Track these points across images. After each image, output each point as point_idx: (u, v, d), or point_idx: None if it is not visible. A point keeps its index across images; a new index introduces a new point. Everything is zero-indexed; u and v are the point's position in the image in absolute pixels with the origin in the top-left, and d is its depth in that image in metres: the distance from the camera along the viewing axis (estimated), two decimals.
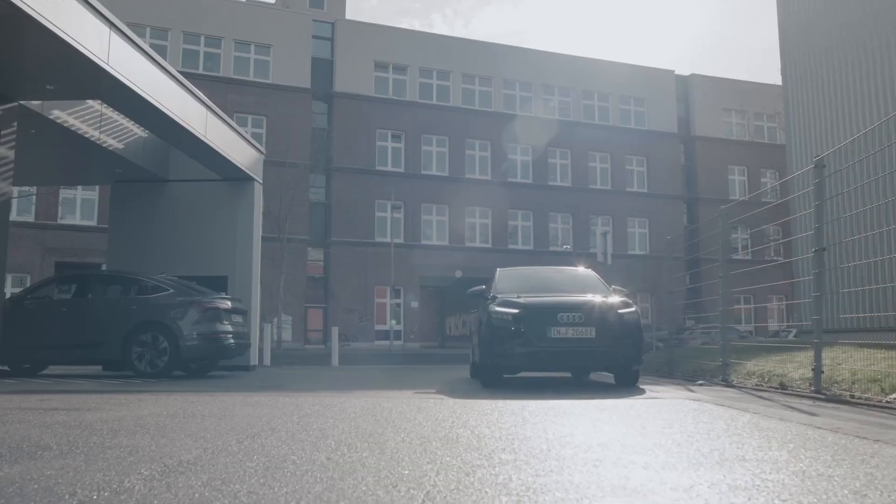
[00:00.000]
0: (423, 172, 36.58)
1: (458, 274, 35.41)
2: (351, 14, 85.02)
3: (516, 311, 7.70)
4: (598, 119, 40.51)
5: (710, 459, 2.85)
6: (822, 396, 6.18)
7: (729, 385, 8.01)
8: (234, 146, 13.13)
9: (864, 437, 3.58)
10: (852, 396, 5.93)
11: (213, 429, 3.92)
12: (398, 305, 34.96)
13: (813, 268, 6.68)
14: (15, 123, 9.67)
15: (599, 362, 8.25)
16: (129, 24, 28.97)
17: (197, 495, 2.18)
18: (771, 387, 7.32)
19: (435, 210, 36.72)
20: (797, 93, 15.41)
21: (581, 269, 10.38)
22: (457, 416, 4.52)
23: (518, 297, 8.04)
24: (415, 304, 35.90)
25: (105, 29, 8.58)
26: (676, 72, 42.99)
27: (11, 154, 9.58)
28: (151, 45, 31.94)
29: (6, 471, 2.54)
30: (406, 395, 6.54)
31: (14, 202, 28.66)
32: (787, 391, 6.89)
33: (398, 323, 34.26)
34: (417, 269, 35.10)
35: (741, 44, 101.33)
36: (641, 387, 7.80)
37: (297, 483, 2.31)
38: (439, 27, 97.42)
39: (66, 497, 2.12)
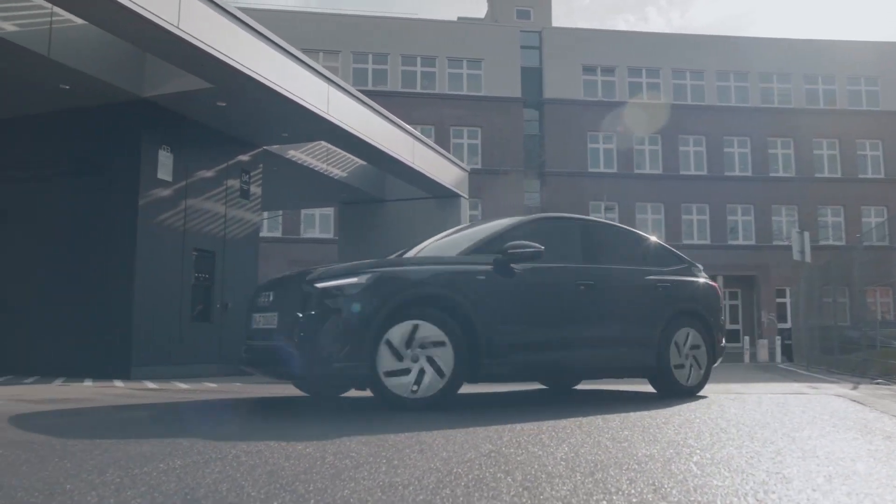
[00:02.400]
0: (637, 172, 36.74)
1: None
2: (564, 14, 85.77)
3: None
4: (823, 104, 38.31)
5: None
6: None
7: None
8: (440, 167, 14.72)
9: None
10: None
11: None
12: None
13: None
14: (261, 164, 11.86)
15: None
16: (358, 53, 31.58)
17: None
18: None
19: (650, 209, 36.70)
20: None
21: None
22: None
23: None
24: None
25: (325, 85, 10.38)
26: None
27: (259, 190, 11.78)
28: (375, 70, 35.32)
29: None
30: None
31: (265, 222, 32.90)
32: None
33: None
34: None
35: None
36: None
37: None
38: (654, 20, 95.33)
39: None
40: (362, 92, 27.37)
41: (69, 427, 4.05)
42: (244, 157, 11.38)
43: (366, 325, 5.00)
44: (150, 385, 7.87)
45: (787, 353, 27.15)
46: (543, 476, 2.62)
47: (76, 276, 9.39)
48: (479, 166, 34.68)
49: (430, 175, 14.13)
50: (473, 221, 9.99)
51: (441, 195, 15.66)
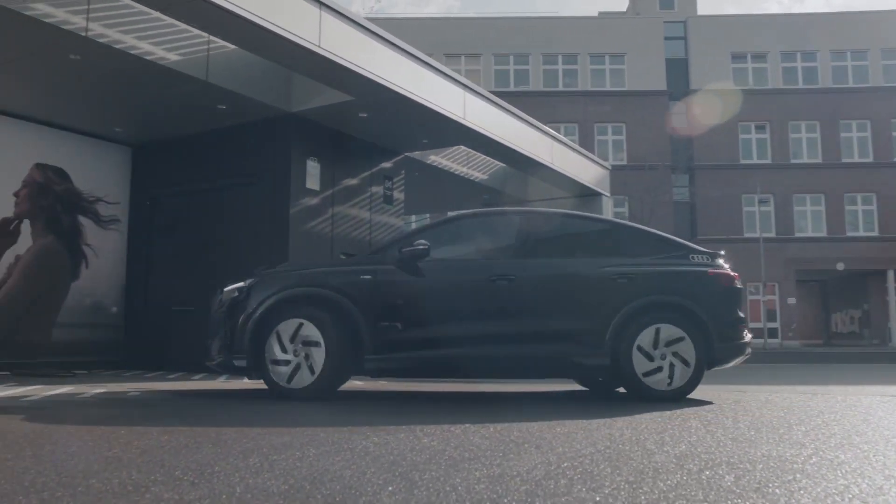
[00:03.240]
0: (793, 161, 34.88)
1: (840, 266, 33.21)
2: (709, 1, 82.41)
3: None
4: None
5: None
6: None
7: None
8: (580, 166, 14.68)
9: None
10: None
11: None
12: (772, 302, 33.79)
13: None
14: (403, 171, 12.30)
15: None
16: (499, 55, 31.98)
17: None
18: None
19: (809, 200, 34.74)
20: None
21: None
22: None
23: None
24: (791, 301, 34.33)
25: (461, 91, 10.65)
26: None
27: (402, 195, 12.22)
28: (516, 70, 35.47)
29: None
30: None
31: (413, 224, 33.76)
32: None
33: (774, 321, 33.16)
34: (792, 262, 33.63)
35: None
36: None
37: None
38: (811, 0, 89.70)
39: None
40: (504, 93, 27.52)
41: (224, 418, 4.46)
42: (387, 164, 11.84)
43: (245, 322, 5.73)
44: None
45: None
46: (650, 472, 2.68)
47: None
48: (624, 162, 34.10)
49: (569, 174, 14.12)
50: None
51: (582, 194, 15.60)
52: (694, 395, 5.99)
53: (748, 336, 6.27)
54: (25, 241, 10.07)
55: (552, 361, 5.93)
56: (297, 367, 5.64)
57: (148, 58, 8.13)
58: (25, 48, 7.88)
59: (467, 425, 4.08)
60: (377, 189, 11.66)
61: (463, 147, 13.84)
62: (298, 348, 5.65)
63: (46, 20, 7.14)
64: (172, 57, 8.41)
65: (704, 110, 34.42)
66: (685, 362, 5.84)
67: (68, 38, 7.51)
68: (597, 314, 5.84)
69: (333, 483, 2.39)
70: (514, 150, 12.17)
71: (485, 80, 34.95)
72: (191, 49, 8.62)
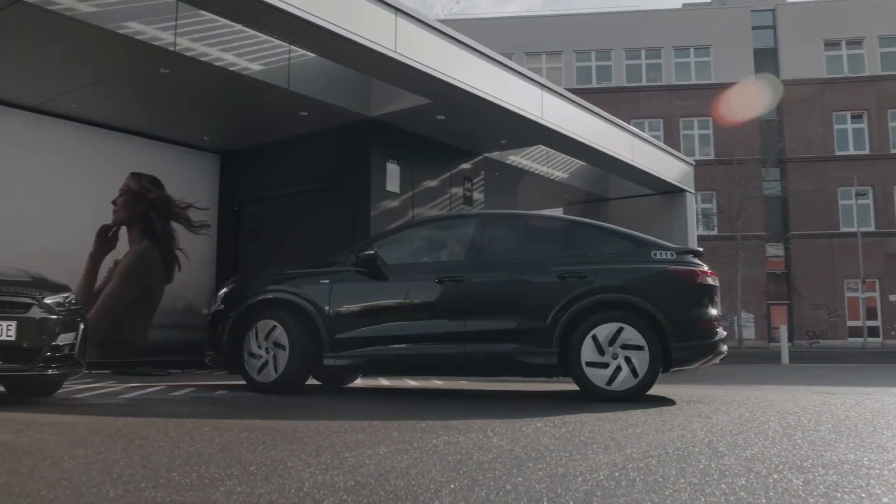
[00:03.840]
0: (893, 151, 33.30)
1: None
2: None
3: None
4: None
5: None
6: None
7: None
8: (662, 163, 14.42)
9: None
10: None
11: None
12: (873, 299, 32.35)
13: None
14: (482, 171, 12.37)
15: None
16: (580, 51, 31.62)
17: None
18: None
19: None
20: None
21: None
22: None
23: None
24: (894, 298, 32.80)
25: (538, 91, 10.63)
26: None
27: (482, 196, 12.30)
28: (598, 66, 35.04)
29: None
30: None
31: None
32: None
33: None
34: (894, 258, 32.12)
35: None
36: None
37: None
38: None
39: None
40: (586, 90, 27.33)
41: (303, 415, 4.61)
42: (466, 166, 11.93)
43: (224, 323, 6.46)
44: (384, 382, 8.55)
45: None
46: (716, 474, 2.67)
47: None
48: (711, 157, 33.29)
49: (651, 171, 13.89)
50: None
51: (665, 191, 15.33)
52: (776, 395, 5.84)
53: (719, 335, 6.01)
54: (123, 246, 10.60)
55: (499, 360, 6.02)
56: (266, 363, 6.25)
57: (232, 69, 8.45)
58: (120, 64, 8.30)
59: (539, 425, 4.11)
60: (457, 190, 11.77)
61: (542, 146, 13.83)
62: (270, 347, 6.26)
63: (138, 37, 7.51)
64: (255, 67, 8.71)
65: (798, 101, 33.25)
66: (637, 361, 5.72)
67: (158, 54, 7.87)
68: (545, 314, 5.86)
69: (398, 480, 2.48)
70: (594, 148, 12.05)
71: (566, 77, 34.72)
72: (272, 59, 8.90)
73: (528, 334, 5.90)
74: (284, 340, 6.18)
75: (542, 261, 6.20)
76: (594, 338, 5.74)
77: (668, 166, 14.80)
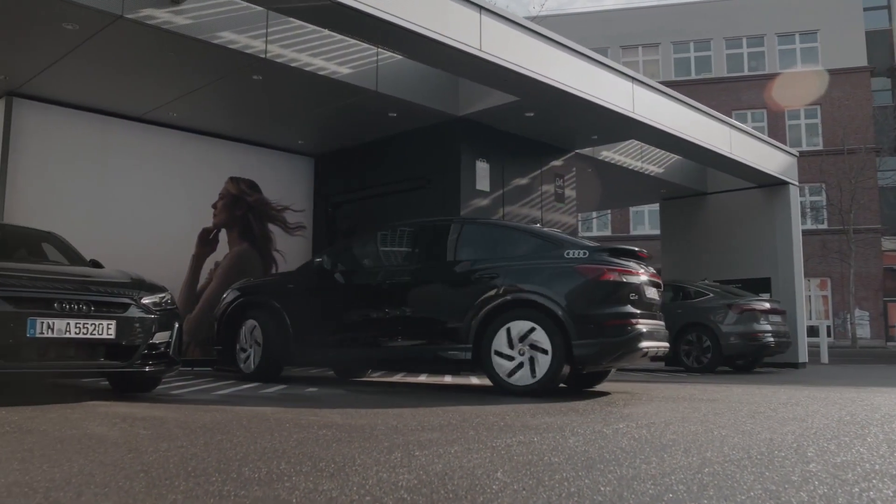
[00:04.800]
0: None
1: None
2: None
3: None
4: None
5: None
6: None
7: None
8: (762, 155, 13.88)
9: None
10: None
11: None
12: None
13: None
14: (574, 168, 12.22)
15: None
16: (678, 42, 30.69)
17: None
18: None
19: None
20: None
21: None
22: None
23: None
24: None
25: (628, 84, 10.42)
26: None
27: (574, 193, 12.14)
28: (697, 57, 34.03)
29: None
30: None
31: (594, 220, 33.38)
32: None
33: None
34: None
35: None
36: None
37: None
38: None
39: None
40: (685, 82, 26.57)
41: (383, 413, 4.67)
42: (557, 162, 11.80)
43: (221, 322, 7.72)
44: (475, 380, 8.55)
45: None
46: (798, 481, 2.54)
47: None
48: (819, 147, 31.81)
49: (750, 163, 13.36)
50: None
51: (767, 183, 14.74)
52: (884, 398, 5.52)
53: (629, 332, 5.93)
54: (223, 248, 11.00)
55: (424, 355, 6.53)
56: (249, 356, 7.37)
57: (321, 73, 8.63)
58: (215, 73, 8.61)
59: (621, 426, 4.03)
60: (548, 188, 11.66)
61: (635, 141, 13.54)
62: (252, 343, 7.36)
63: (231, 46, 7.78)
64: (344, 70, 8.88)
65: None
66: (540, 361, 5.91)
67: (250, 61, 8.13)
68: (460, 312, 6.27)
69: (462, 480, 2.47)
70: (688, 141, 11.71)
71: (664, 69, 33.88)
72: (360, 62, 9.05)
73: (447, 332, 6.36)
74: (259, 334, 7.28)
75: (463, 263, 6.59)
76: (508, 331, 6.05)
77: (769, 157, 14.23)
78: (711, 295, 12.43)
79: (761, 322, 12.03)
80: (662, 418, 4.47)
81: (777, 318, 12.45)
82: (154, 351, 5.08)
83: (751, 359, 12.52)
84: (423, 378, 8.64)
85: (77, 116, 9.69)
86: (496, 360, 6.07)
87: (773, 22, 34.03)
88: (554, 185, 11.89)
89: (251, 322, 7.38)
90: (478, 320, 6.17)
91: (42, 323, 4.48)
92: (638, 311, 6.09)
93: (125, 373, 5.11)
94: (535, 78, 8.83)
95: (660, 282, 6.81)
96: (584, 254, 6.16)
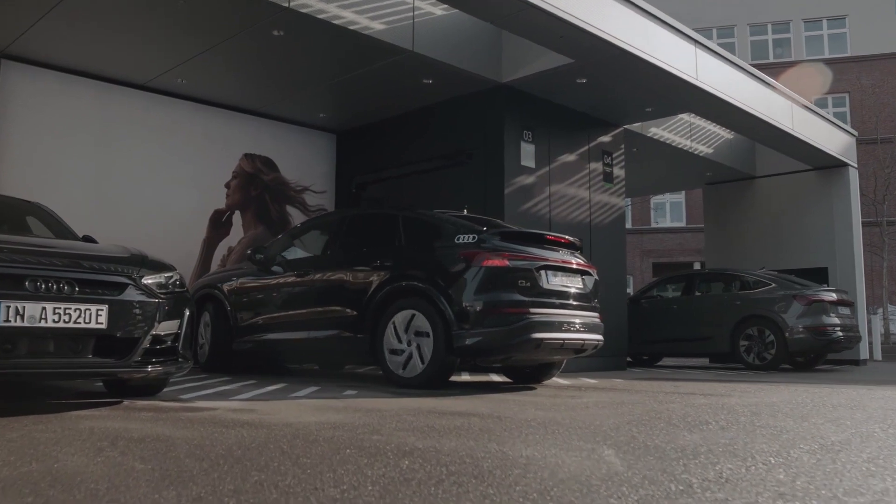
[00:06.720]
0: None
1: None
2: None
3: None
4: None
5: None
6: None
7: None
8: (822, 133, 12.72)
9: None
10: None
11: (848, 417, 4.07)
12: None
13: None
14: (622, 145, 11.04)
15: None
16: (755, 24, 29.30)
17: (864, 467, 2.42)
18: None
19: None
20: None
21: None
22: None
23: None
24: None
25: (692, 48, 9.26)
26: None
27: (623, 173, 10.97)
28: (774, 40, 32.53)
29: (688, 437, 3.11)
30: None
31: None
32: None
33: None
34: None
35: None
36: None
37: None
38: None
39: (744, 455, 2.54)
40: (763, 66, 25.06)
41: (437, 420, 3.55)
42: (605, 139, 10.63)
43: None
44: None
45: None
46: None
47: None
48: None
49: (812, 142, 12.18)
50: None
51: (824, 165, 13.54)
52: None
53: (519, 322, 5.42)
54: (237, 232, 9.88)
55: (330, 345, 6.34)
56: (202, 346, 7.35)
57: (352, 27, 7.51)
58: (229, 29, 7.51)
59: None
60: (596, 166, 10.51)
61: (685, 117, 12.38)
62: (204, 333, 7.38)
63: None
64: (377, 26, 7.75)
65: None
66: (426, 349, 5.61)
67: (271, 11, 7.01)
68: (358, 302, 6.06)
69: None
70: (750, 114, 10.54)
71: (740, 53, 32.60)
72: (395, 17, 7.93)
73: (350, 322, 6.11)
74: (209, 321, 7.33)
75: (365, 253, 6.42)
76: (394, 325, 5.79)
77: (829, 136, 13.08)
78: (773, 285, 11.22)
79: (830, 315, 10.84)
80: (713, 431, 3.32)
81: (846, 311, 11.27)
82: (158, 345, 3.93)
83: (814, 355, 11.36)
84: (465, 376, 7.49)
85: (73, 82, 8.61)
86: (388, 354, 5.83)
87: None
88: (602, 162, 10.73)
89: (205, 315, 7.40)
90: (372, 310, 5.94)
91: (8, 307, 3.34)
92: (529, 300, 5.52)
93: (119, 374, 3.98)
94: (595, 33, 7.70)
95: (588, 269, 6.22)
96: (472, 238, 5.75)
